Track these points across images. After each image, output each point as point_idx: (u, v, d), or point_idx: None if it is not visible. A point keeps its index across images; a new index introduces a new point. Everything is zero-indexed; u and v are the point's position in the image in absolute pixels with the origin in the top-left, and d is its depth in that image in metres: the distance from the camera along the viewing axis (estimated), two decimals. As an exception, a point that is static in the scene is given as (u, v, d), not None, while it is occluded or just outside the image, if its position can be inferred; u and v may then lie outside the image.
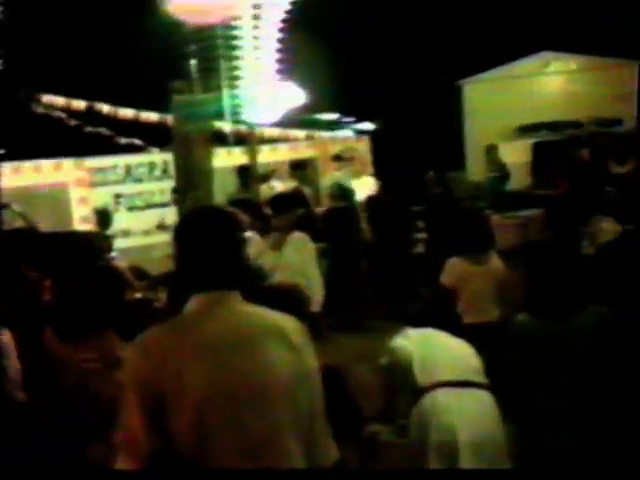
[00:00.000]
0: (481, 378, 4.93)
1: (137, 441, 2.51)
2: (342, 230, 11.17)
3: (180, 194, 10.50)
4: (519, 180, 17.65)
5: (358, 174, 16.31)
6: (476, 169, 19.22)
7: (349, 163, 16.94)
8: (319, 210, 13.68)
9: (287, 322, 2.79)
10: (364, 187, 15.31)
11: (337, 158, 15.63)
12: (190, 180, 10.72)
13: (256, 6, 14.44)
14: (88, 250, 7.85)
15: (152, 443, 2.49)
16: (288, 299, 3.76)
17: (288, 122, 20.36)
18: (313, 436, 2.74)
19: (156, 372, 2.52)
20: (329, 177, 15.51)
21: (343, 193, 11.95)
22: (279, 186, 14.98)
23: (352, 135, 21.91)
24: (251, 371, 2.60)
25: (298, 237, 7.83)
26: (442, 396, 4.80)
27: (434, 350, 5.06)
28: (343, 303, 10.18)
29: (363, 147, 20.22)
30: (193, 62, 11.67)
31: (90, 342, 4.59)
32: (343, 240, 11.10)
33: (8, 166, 16.32)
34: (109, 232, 10.73)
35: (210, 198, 10.28)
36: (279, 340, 2.69)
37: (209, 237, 2.71)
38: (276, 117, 19.62)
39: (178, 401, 2.50)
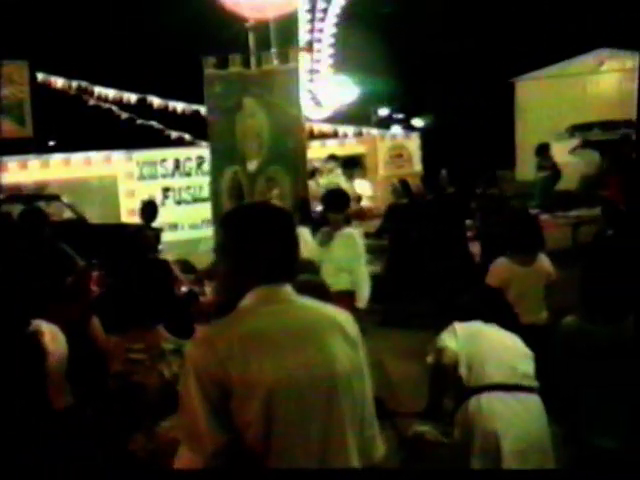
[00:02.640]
0: (530, 381, 4.79)
1: (200, 436, 2.51)
2: (402, 226, 11.21)
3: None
4: (571, 180, 17.45)
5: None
6: (527, 168, 19.03)
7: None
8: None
9: (343, 316, 2.81)
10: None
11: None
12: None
13: (312, 1, 14.44)
14: (140, 243, 7.90)
15: (216, 438, 2.49)
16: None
17: (338, 118, 20.36)
18: (364, 430, 2.76)
19: (223, 366, 2.51)
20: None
21: (405, 190, 11.96)
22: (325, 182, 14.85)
23: (402, 132, 21.86)
24: (316, 364, 2.62)
25: (347, 233, 7.80)
26: (487, 401, 4.69)
27: (482, 348, 4.90)
28: (393, 298, 10.17)
29: (412, 144, 20.19)
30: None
31: (137, 333, 4.61)
32: (402, 236, 11.12)
33: (59, 158, 16.55)
34: (157, 225, 10.78)
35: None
36: (338, 333, 2.72)
37: (270, 231, 2.73)
38: (328, 112, 19.63)
39: (245, 394, 2.51)
